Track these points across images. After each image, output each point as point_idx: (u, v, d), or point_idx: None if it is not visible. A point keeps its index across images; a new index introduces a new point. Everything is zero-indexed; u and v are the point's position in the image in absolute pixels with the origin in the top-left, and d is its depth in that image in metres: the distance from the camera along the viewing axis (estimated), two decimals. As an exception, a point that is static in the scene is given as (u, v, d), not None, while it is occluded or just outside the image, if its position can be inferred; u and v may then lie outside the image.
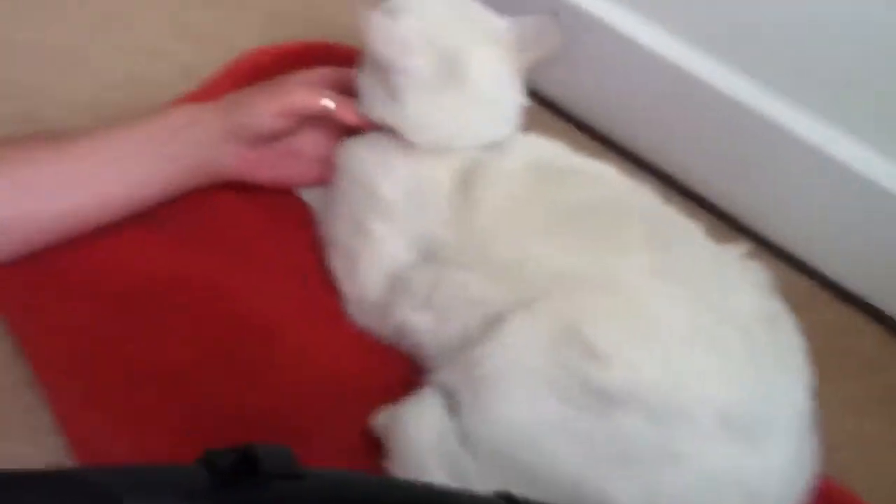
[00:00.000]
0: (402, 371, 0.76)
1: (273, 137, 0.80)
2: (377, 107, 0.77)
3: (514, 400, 0.66)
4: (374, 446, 0.71)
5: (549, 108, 1.05)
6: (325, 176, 0.83)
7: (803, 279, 0.90)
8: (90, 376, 0.73)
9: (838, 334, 0.87)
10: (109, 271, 0.79)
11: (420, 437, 0.67)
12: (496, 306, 0.69)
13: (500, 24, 0.79)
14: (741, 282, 0.70)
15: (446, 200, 0.75)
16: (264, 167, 0.82)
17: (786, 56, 0.87)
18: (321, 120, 0.80)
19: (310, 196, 0.86)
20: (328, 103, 0.78)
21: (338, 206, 0.80)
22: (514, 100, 0.79)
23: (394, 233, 0.76)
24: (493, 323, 0.68)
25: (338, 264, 0.80)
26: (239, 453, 0.48)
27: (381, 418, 0.71)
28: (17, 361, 0.74)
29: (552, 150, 0.79)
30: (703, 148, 0.94)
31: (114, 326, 0.76)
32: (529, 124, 0.81)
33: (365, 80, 0.78)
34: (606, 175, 0.77)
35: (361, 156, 0.78)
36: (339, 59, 0.86)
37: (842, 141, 0.85)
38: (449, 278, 0.72)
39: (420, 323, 0.73)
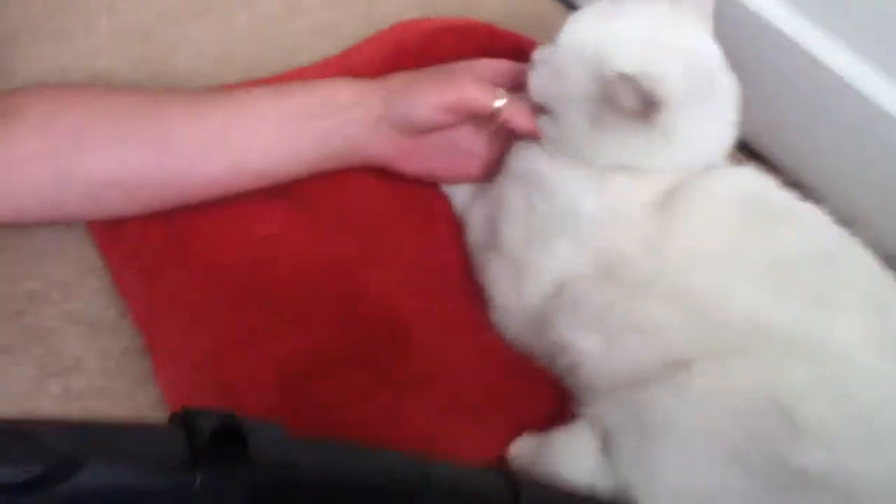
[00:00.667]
0: (551, 400, 0.69)
1: (434, 130, 0.73)
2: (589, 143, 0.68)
3: (688, 460, 0.59)
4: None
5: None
6: (477, 173, 0.76)
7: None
8: (202, 350, 0.69)
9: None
10: (235, 245, 0.74)
11: (571, 474, 0.61)
12: (682, 348, 0.61)
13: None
14: None
15: (645, 216, 0.66)
16: (417, 158, 0.75)
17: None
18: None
19: (453, 191, 0.80)
20: (503, 106, 0.70)
21: (511, 213, 0.71)
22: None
23: (579, 249, 0.68)
24: (674, 367, 0.60)
25: (498, 270, 0.72)
26: (221, 419, 0.42)
27: (524, 446, 0.65)
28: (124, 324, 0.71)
29: (763, 182, 0.68)
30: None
31: (233, 303, 0.72)
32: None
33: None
34: (820, 221, 0.67)
35: (554, 166, 0.69)
36: (503, 47, 0.80)
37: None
38: (631, 302, 0.64)
39: (586, 344, 0.65)
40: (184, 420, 0.43)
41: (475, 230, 0.77)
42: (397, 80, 0.74)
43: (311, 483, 0.47)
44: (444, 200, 0.80)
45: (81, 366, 0.69)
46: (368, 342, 0.71)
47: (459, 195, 0.79)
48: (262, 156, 0.72)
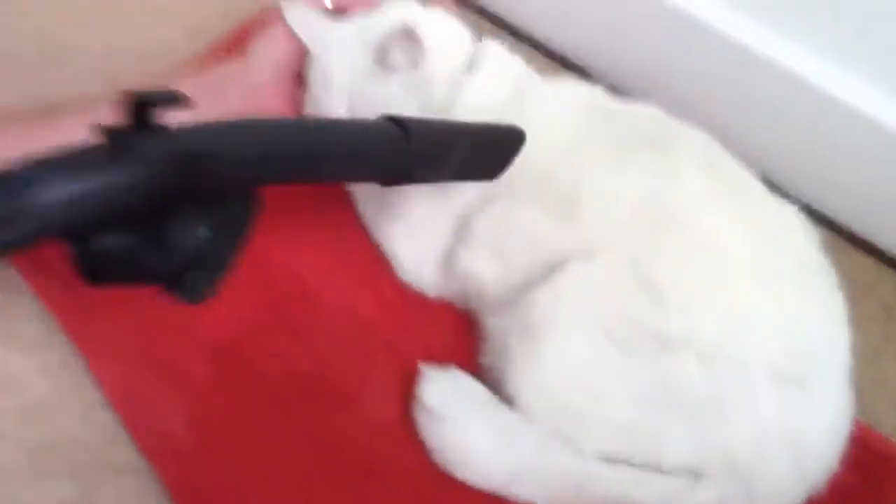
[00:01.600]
0: (452, 328, 0.78)
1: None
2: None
3: (566, 343, 0.68)
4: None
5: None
6: None
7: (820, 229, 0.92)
8: (134, 340, 0.75)
9: (857, 282, 0.89)
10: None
11: (452, 411, 0.70)
12: (556, 250, 0.70)
13: None
14: (797, 229, 0.71)
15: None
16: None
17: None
18: None
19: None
20: None
21: None
22: None
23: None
24: (552, 269, 0.69)
25: (399, 236, 0.81)
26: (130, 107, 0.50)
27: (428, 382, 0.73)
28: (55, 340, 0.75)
29: (600, 92, 0.81)
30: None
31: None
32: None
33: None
34: (655, 113, 0.78)
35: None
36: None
37: (858, 87, 0.86)
38: (511, 215, 0.73)
39: (483, 268, 0.74)
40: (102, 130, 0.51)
41: (363, 200, 0.85)
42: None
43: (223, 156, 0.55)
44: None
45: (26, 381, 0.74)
46: (284, 312, 0.78)
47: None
48: None
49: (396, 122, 0.65)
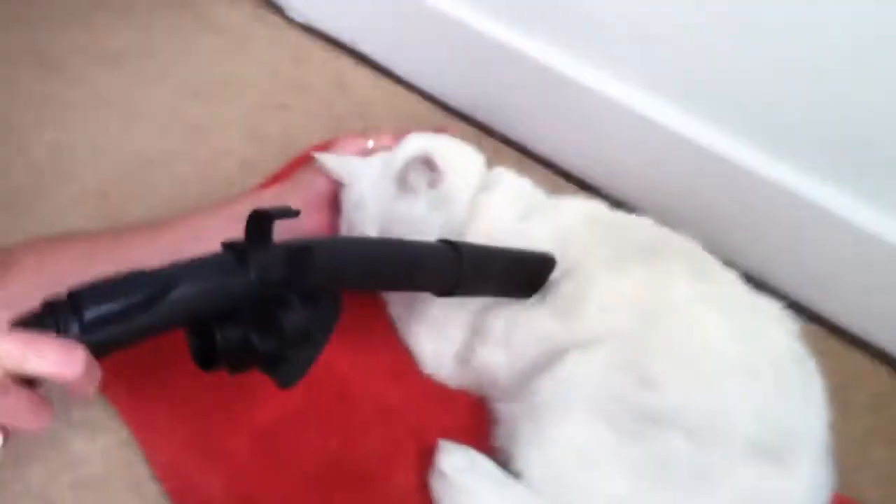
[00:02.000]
0: (469, 415, 0.86)
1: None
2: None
3: (568, 424, 0.76)
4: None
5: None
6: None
7: (811, 325, 1.00)
8: (187, 430, 0.85)
9: (848, 374, 0.97)
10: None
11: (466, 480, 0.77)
12: (560, 340, 0.79)
13: None
14: (775, 322, 0.79)
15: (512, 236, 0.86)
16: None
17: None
18: None
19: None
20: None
21: None
22: None
23: None
24: (554, 358, 0.78)
25: (422, 335, 0.91)
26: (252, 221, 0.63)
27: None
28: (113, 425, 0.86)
29: (599, 207, 0.92)
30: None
31: (207, 383, 0.87)
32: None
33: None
34: (646, 222, 0.88)
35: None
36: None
37: (834, 194, 0.95)
38: (519, 315, 0.83)
39: (496, 361, 0.84)
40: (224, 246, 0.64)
41: (395, 303, 0.95)
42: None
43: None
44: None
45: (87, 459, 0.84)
46: (319, 398, 0.88)
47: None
48: None
49: (452, 244, 0.77)
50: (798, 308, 0.81)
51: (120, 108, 1.26)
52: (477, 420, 0.85)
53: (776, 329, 0.79)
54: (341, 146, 0.96)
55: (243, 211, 0.92)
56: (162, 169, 1.17)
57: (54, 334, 0.54)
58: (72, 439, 0.85)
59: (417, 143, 0.91)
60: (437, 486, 0.78)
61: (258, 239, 0.63)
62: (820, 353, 0.80)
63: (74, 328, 0.55)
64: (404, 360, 0.92)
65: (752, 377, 0.75)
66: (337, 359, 0.91)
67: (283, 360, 0.65)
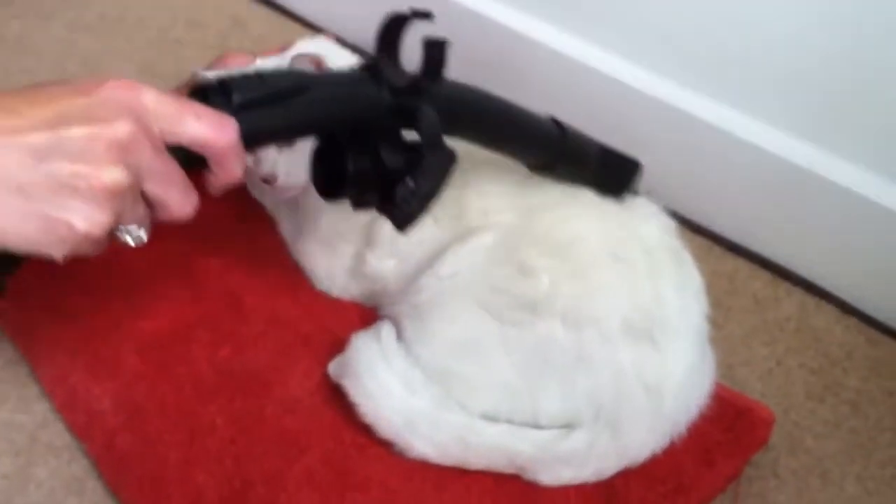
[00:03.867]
0: (360, 324, 0.86)
1: None
2: None
3: (450, 320, 0.77)
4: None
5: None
6: None
7: (697, 237, 1.03)
8: (75, 341, 0.83)
9: (733, 279, 1.01)
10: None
11: (371, 357, 0.78)
12: (444, 241, 0.80)
13: None
14: (649, 218, 0.82)
15: None
16: None
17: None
18: None
19: (261, 196, 0.98)
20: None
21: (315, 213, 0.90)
22: None
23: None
24: (435, 258, 0.79)
25: (314, 252, 0.91)
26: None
27: (337, 361, 0.81)
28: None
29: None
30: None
31: (96, 300, 0.86)
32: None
33: None
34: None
35: None
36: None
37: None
38: None
39: (385, 267, 0.85)
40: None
41: (285, 221, 0.95)
42: None
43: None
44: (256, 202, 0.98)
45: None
46: (210, 311, 0.87)
47: (267, 199, 0.98)
48: None
49: (557, 122, 0.78)
50: (683, 221, 0.84)
51: (13, 44, 1.23)
52: (367, 326, 0.85)
53: (649, 224, 0.81)
54: (227, 64, 0.95)
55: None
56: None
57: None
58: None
59: (305, 46, 0.91)
60: (346, 367, 0.79)
61: (388, 50, 0.65)
62: (704, 260, 0.83)
63: (225, 110, 0.55)
64: (295, 275, 0.92)
65: (622, 264, 0.77)
66: (227, 273, 0.90)
67: (407, 194, 0.64)
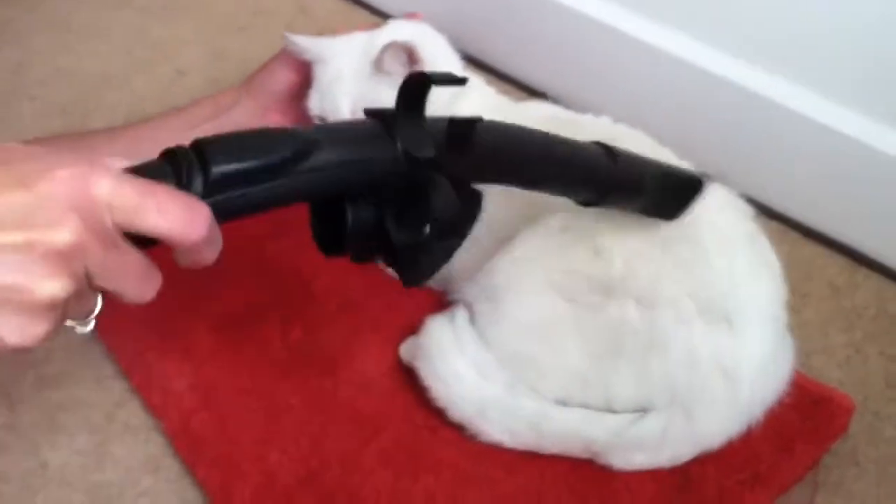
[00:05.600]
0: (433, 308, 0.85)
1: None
2: None
3: (523, 302, 0.76)
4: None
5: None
6: None
7: (773, 222, 1.01)
8: (150, 329, 0.84)
9: (808, 266, 0.98)
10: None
11: (445, 342, 0.77)
12: (514, 225, 0.79)
13: None
14: (723, 203, 0.79)
15: None
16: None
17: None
18: None
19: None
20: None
21: None
22: None
23: None
24: (507, 242, 0.78)
25: None
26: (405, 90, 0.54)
27: (409, 344, 0.82)
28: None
29: (558, 108, 0.93)
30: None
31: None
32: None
33: None
34: (603, 120, 0.88)
35: None
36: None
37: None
38: None
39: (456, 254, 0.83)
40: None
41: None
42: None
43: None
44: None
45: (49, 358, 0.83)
46: (282, 292, 0.88)
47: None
48: None
49: (606, 147, 0.69)
50: (759, 206, 0.81)
51: (84, 30, 1.25)
52: (437, 310, 0.85)
53: (724, 208, 0.79)
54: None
55: (203, 113, 0.94)
56: (122, 87, 1.16)
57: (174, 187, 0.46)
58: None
59: (402, 30, 0.91)
60: (419, 350, 0.79)
61: (411, 107, 0.54)
62: (779, 246, 0.80)
63: (198, 184, 0.46)
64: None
65: (697, 246, 0.75)
66: (298, 255, 0.91)
67: (416, 253, 0.56)
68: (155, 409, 0.78)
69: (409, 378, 0.79)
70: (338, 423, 0.77)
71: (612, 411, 0.74)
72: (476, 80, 0.94)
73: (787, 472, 0.75)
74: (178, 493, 0.73)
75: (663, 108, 1.05)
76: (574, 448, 0.75)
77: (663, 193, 0.72)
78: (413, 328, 0.82)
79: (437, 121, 0.55)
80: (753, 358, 0.73)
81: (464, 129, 0.56)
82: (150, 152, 0.52)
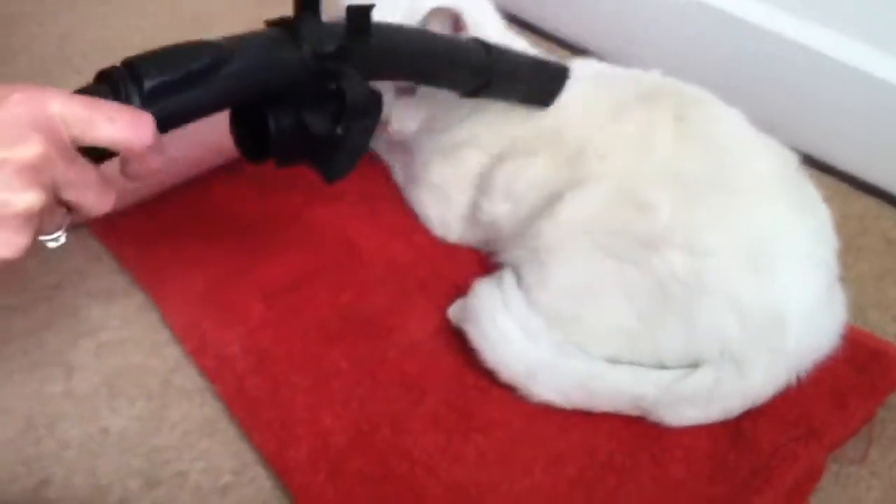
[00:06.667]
0: (479, 271, 0.87)
1: None
2: None
3: (570, 263, 0.76)
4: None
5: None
6: None
7: (825, 177, 0.99)
8: (200, 288, 0.86)
9: (862, 219, 0.97)
10: (212, 207, 0.93)
11: (493, 305, 0.77)
12: (560, 185, 0.79)
13: None
14: (767, 151, 0.78)
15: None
16: None
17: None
18: None
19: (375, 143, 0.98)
20: None
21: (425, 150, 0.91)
22: None
23: (479, 151, 0.87)
24: (552, 201, 0.78)
25: (427, 200, 0.92)
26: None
27: (458, 305, 0.82)
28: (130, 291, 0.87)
29: (603, 64, 0.93)
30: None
31: (221, 251, 0.89)
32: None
33: None
34: (652, 74, 0.87)
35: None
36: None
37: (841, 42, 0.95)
38: (522, 166, 0.83)
39: (500, 211, 0.84)
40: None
41: (398, 172, 0.96)
42: None
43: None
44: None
45: (106, 325, 0.85)
46: (329, 258, 0.88)
47: (380, 145, 0.98)
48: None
49: (485, 45, 0.77)
50: (810, 161, 0.80)
51: (124, 4, 1.26)
52: (483, 272, 0.85)
53: (767, 157, 0.78)
54: None
55: None
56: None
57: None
58: (88, 307, 0.86)
59: None
60: (468, 313, 0.79)
61: (308, 8, 0.60)
62: (832, 201, 0.79)
63: (135, 98, 0.52)
64: (410, 221, 0.93)
65: (739, 193, 0.74)
66: (343, 221, 0.92)
67: (334, 149, 0.62)
68: (209, 373, 0.79)
69: (457, 340, 0.79)
70: (388, 386, 0.78)
71: (663, 367, 0.74)
72: (520, 40, 0.93)
73: (840, 427, 0.74)
74: (234, 456, 0.74)
75: (709, 60, 1.04)
76: (625, 405, 0.75)
77: (536, 82, 0.82)
78: (460, 291, 0.82)
79: (336, 22, 0.61)
80: (801, 305, 0.72)
81: (361, 16, 0.62)
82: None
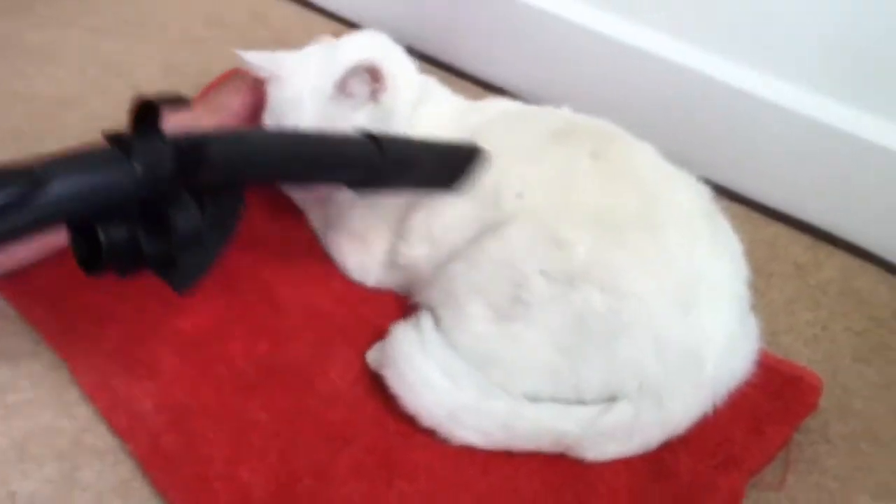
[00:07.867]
0: (399, 314, 0.86)
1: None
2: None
3: (484, 301, 0.76)
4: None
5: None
6: None
7: (734, 205, 1.01)
8: (112, 343, 0.83)
9: (772, 245, 0.99)
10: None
11: (411, 348, 0.77)
12: (479, 226, 0.79)
13: None
14: (684, 186, 0.80)
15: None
16: None
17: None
18: None
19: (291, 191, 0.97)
20: None
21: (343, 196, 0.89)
22: None
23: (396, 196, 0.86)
24: (469, 244, 0.79)
25: (346, 246, 0.91)
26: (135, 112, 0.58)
27: (376, 349, 0.81)
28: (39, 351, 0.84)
29: (515, 103, 0.94)
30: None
31: (132, 305, 0.86)
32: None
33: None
34: (563, 112, 0.89)
35: None
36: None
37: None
38: (438, 208, 0.83)
39: (419, 255, 0.84)
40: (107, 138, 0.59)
41: (315, 216, 0.96)
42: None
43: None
44: (286, 196, 0.98)
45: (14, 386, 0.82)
46: (246, 307, 0.87)
47: (296, 193, 0.97)
48: None
49: (372, 137, 0.74)
50: (720, 189, 0.82)
51: (35, 52, 1.23)
52: (404, 315, 0.85)
53: (684, 191, 0.79)
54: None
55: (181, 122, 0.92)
56: (77, 107, 1.15)
57: None
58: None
59: (361, 46, 0.90)
60: (387, 359, 0.78)
61: (144, 130, 0.58)
62: (743, 228, 0.81)
63: None
64: (328, 266, 0.92)
65: (657, 230, 0.76)
66: (261, 268, 0.90)
67: (175, 264, 0.61)
68: (122, 431, 0.77)
69: (378, 385, 0.78)
70: (307, 436, 0.76)
71: (583, 402, 0.74)
72: (434, 84, 0.94)
73: (759, 453, 0.75)
74: (150, 517, 0.73)
75: (622, 96, 1.06)
76: (547, 443, 0.75)
77: (438, 169, 0.79)
78: (382, 335, 0.82)
79: (175, 139, 0.59)
80: (716, 338, 0.73)
81: (193, 150, 0.59)
82: None
